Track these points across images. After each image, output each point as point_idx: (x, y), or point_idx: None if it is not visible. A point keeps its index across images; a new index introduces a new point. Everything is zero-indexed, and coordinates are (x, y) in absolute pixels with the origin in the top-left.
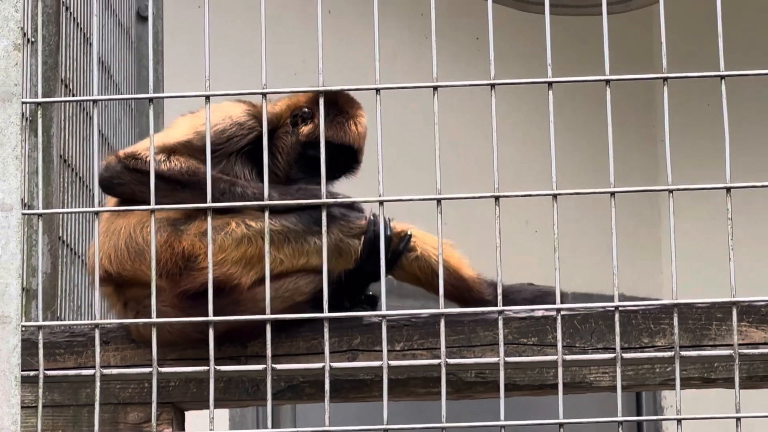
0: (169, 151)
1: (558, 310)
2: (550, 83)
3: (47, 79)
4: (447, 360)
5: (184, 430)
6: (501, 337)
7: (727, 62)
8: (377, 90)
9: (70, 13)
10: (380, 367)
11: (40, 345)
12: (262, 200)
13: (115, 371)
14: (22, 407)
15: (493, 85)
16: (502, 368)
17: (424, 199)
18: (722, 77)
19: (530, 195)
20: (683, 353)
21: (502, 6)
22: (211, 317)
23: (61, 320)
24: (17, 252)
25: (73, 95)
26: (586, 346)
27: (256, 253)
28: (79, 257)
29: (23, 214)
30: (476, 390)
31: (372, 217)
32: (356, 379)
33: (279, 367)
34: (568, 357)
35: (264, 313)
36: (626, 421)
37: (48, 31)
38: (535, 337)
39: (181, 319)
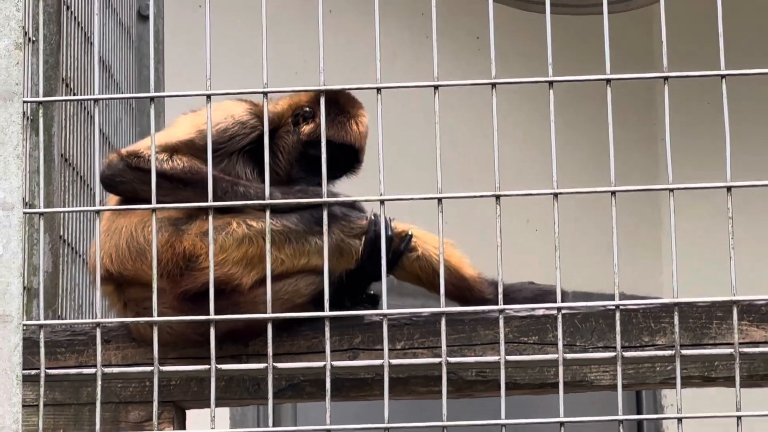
0: (172, 150)
1: (559, 309)
2: (550, 82)
3: (48, 78)
4: (448, 359)
5: (185, 428)
6: (502, 335)
7: (727, 61)
8: (378, 89)
9: (71, 12)
10: (381, 366)
11: (42, 344)
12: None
13: (116, 370)
14: (23, 406)
15: (493, 85)
16: (502, 367)
17: (425, 198)
18: (723, 76)
19: (531, 194)
20: (684, 352)
21: (503, 5)
22: (212, 316)
23: (62, 319)
24: (18, 251)
25: (74, 94)
26: (587, 344)
27: (257, 253)
28: (80, 256)
29: (24, 213)
30: (477, 389)
31: (373, 217)
32: (357, 377)
33: (280, 365)
34: (569, 356)
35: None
36: (627, 420)
37: (49, 30)
38: (535, 335)
39: (183, 317)
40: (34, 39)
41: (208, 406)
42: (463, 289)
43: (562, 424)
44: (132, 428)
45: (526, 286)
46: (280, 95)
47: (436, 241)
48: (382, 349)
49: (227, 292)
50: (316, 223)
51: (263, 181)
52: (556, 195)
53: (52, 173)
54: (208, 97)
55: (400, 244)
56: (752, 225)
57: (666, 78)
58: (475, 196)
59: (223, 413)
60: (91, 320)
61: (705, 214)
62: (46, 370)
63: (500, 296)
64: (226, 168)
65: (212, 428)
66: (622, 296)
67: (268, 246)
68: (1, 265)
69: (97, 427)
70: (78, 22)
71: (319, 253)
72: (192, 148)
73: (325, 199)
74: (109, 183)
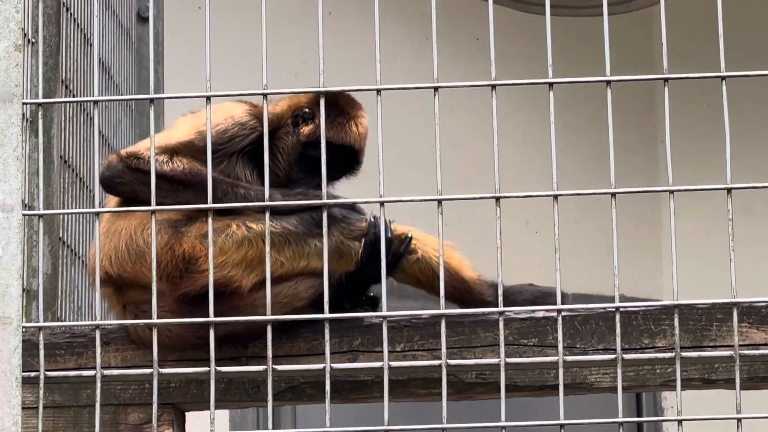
0: (171, 151)
1: (559, 311)
2: (550, 84)
3: (48, 79)
4: (448, 361)
5: (184, 431)
6: (501, 337)
7: (727, 63)
8: (378, 90)
9: (71, 13)
10: (381, 368)
11: (41, 346)
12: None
13: (115, 372)
14: (22, 408)
15: (493, 86)
16: (502, 369)
17: (424, 200)
18: (723, 78)
19: (531, 196)
20: (684, 354)
21: (503, 7)
22: (211, 318)
23: (61, 321)
24: (18, 253)
25: (74, 96)
26: (587, 347)
27: (257, 255)
28: (79, 258)
29: (24, 214)
30: (477, 391)
31: (373, 219)
32: (357, 380)
33: (280, 368)
34: (569, 358)
35: None
36: (627, 422)
37: (48, 31)
38: (535, 338)
39: (183, 319)
40: (33, 40)
41: (208, 408)
42: (463, 291)
43: (562, 426)
44: (131, 430)
45: (526, 288)
46: (279, 96)
47: (435, 243)
48: (382, 351)
49: (227, 295)
50: (316, 225)
51: (263, 183)
52: (556, 197)
53: (51, 175)
54: (208, 98)
55: (400, 246)
56: (752, 227)
57: (666, 80)
58: (475, 198)
59: (223, 415)
60: (90, 322)
61: (705, 215)
62: (46, 372)
63: (500, 298)
64: (226, 169)
65: (212, 430)
66: (622, 298)
67: (267, 248)
68: (1, 267)
69: (97, 429)
70: (77, 24)
71: (319, 255)
72: (192, 149)
73: (324, 201)
74: (109, 184)
